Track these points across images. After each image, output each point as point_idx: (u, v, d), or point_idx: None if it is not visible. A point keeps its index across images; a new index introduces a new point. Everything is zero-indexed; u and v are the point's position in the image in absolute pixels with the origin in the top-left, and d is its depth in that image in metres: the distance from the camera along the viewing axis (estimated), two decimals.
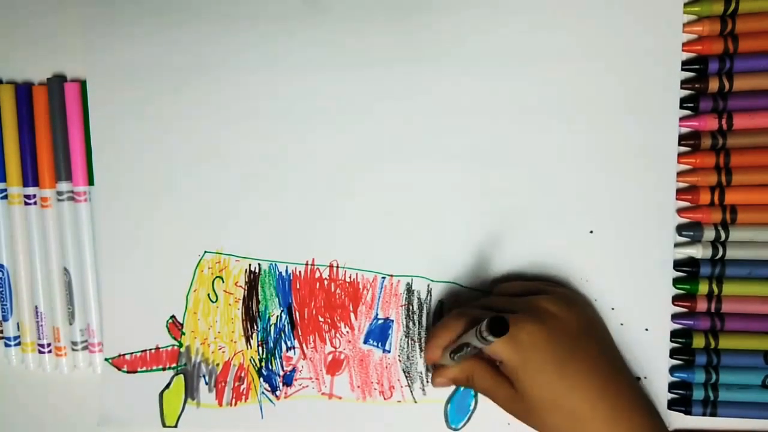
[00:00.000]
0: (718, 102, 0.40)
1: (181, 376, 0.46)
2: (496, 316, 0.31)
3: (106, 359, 0.46)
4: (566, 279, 0.42)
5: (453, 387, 0.44)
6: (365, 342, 0.44)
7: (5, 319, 0.47)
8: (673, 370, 0.42)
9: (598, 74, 0.41)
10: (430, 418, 0.44)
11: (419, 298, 0.44)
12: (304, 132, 0.43)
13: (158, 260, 0.45)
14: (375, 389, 0.44)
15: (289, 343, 0.45)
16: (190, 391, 0.46)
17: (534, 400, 0.36)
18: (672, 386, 0.42)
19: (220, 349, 0.45)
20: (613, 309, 0.42)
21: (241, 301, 0.45)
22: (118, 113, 0.44)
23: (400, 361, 0.44)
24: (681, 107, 0.40)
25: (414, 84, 0.42)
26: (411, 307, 0.44)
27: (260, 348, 0.45)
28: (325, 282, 0.44)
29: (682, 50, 0.40)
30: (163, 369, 0.46)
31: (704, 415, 0.41)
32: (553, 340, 0.36)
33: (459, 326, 0.38)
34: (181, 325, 0.45)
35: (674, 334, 0.42)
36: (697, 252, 0.41)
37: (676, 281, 0.42)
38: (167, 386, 0.46)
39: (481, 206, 0.42)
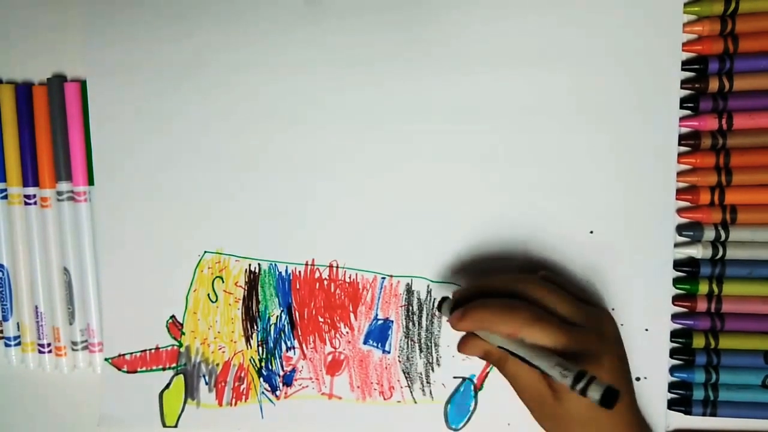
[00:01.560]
0: (718, 102, 0.40)
1: (181, 376, 0.46)
2: (612, 389, 0.30)
3: (106, 359, 0.46)
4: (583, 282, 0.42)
5: (454, 387, 0.44)
6: (365, 342, 0.44)
7: (5, 319, 0.47)
8: (673, 370, 0.42)
9: (598, 74, 0.41)
10: (429, 419, 0.44)
11: (419, 299, 0.44)
12: (304, 132, 0.43)
13: (158, 260, 0.45)
14: (375, 389, 0.44)
15: (288, 343, 0.45)
16: (190, 391, 0.46)
17: (578, 414, 0.35)
18: (672, 386, 0.42)
19: (220, 349, 0.45)
20: (613, 309, 0.42)
21: (241, 301, 0.45)
22: (118, 113, 0.44)
23: (399, 361, 0.44)
24: (681, 107, 0.40)
25: (414, 84, 0.42)
26: (411, 308, 0.44)
27: (260, 348, 0.45)
28: (325, 282, 0.44)
29: (682, 50, 0.40)
30: (163, 369, 0.46)
31: (704, 415, 0.41)
32: (615, 367, 0.36)
33: (528, 331, 0.34)
34: (181, 325, 0.45)
35: (674, 334, 0.42)
36: (697, 252, 0.41)
37: (676, 281, 0.42)
38: (167, 386, 0.46)
39: (481, 206, 0.42)
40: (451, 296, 0.40)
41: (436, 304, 0.43)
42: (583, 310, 0.36)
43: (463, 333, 0.38)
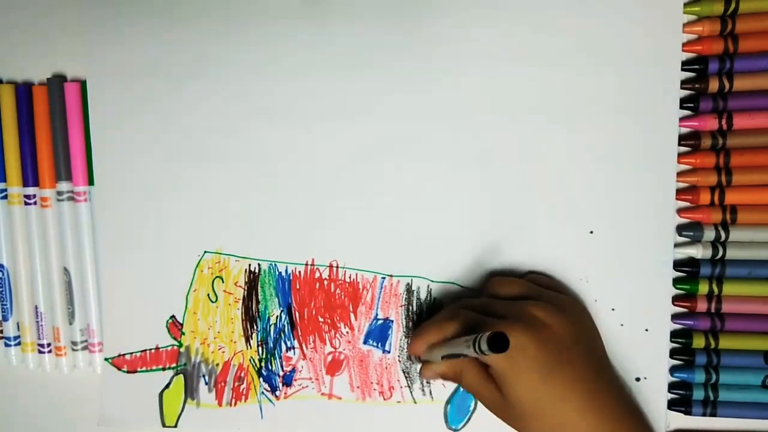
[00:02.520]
0: (718, 102, 0.40)
1: (181, 376, 0.46)
2: (497, 333, 0.31)
3: (106, 359, 0.46)
4: (564, 278, 0.42)
5: (453, 387, 0.44)
6: (365, 342, 0.44)
7: (5, 319, 0.47)
8: (673, 370, 0.42)
9: (598, 74, 0.41)
10: (429, 419, 0.44)
11: (419, 299, 0.44)
12: (304, 132, 0.43)
13: (158, 260, 0.45)
14: (375, 390, 0.44)
15: (288, 344, 0.45)
16: (190, 391, 0.46)
17: (520, 406, 0.36)
18: (672, 386, 0.42)
19: (219, 349, 0.45)
20: (613, 309, 0.42)
21: (240, 301, 0.45)
22: (118, 113, 0.44)
23: (399, 361, 0.44)
24: (681, 107, 0.40)
25: (414, 84, 0.42)
26: (411, 308, 0.44)
27: (260, 348, 0.45)
28: (325, 282, 0.44)
29: (682, 50, 0.40)
30: (163, 369, 0.46)
31: (704, 415, 0.41)
32: (540, 349, 0.35)
33: (450, 328, 0.38)
34: (181, 325, 0.45)
35: (674, 335, 0.42)
36: (697, 252, 0.41)
37: (676, 281, 0.42)
38: (167, 386, 0.46)
39: (481, 206, 0.42)
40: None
41: (407, 356, 0.44)
42: (512, 306, 0.38)
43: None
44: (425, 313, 0.44)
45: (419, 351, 0.40)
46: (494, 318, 0.37)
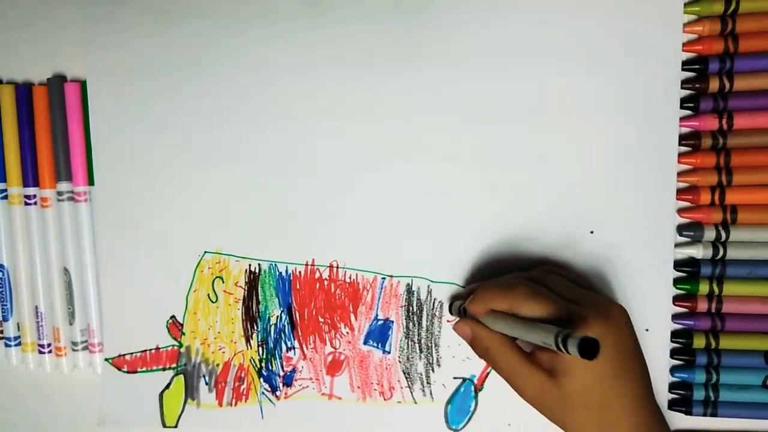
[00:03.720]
0: (718, 102, 0.40)
1: (181, 376, 0.46)
2: (590, 339, 0.30)
3: (106, 359, 0.46)
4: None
5: (454, 387, 0.44)
6: (365, 343, 0.44)
7: (5, 319, 0.47)
8: (673, 370, 0.42)
9: (599, 74, 0.41)
10: (430, 419, 0.44)
11: (419, 299, 0.44)
12: (304, 132, 0.43)
13: (158, 260, 0.45)
14: (375, 390, 0.44)
15: (289, 344, 0.45)
16: (190, 392, 0.46)
17: (581, 396, 0.35)
18: (672, 386, 0.42)
19: (220, 349, 0.45)
20: None
21: (241, 302, 0.45)
22: (118, 113, 0.44)
23: (400, 362, 0.44)
24: (681, 107, 0.40)
25: (414, 84, 0.42)
26: (411, 308, 0.44)
27: (260, 348, 0.45)
28: (325, 282, 0.44)
29: (683, 50, 0.40)
30: (163, 369, 0.46)
31: (705, 415, 0.41)
32: (618, 345, 0.35)
33: (521, 301, 0.36)
34: (181, 325, 0.45)
35: (675, 335, 0.42)
36: (698, 252, 0.41)
37: (676, 281, 0.42)
38: (167, 386, 0.46)
39: (481, 206, 0.42)
40: (451, 297, 0.42)
41: (447, 307, 0.43)
42: (584, 294, 0.37)
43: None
44: (425, 314, 0.44)
45: (477, 312, 0.38)
46: (571, 303, 0.36)
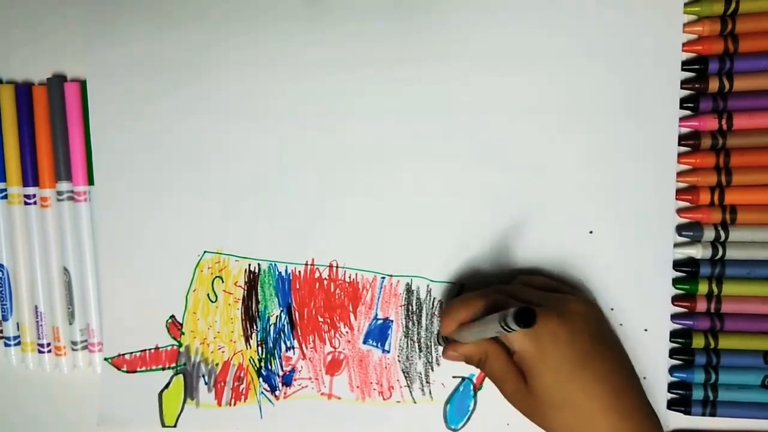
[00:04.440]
0: (718, 102, 0.40)
1: (181, 376, 0.46)
2: (524, 307, 0.30)
3: (106, 359, 0.46)
4: (564, 278, 0.42)
5: (453, 387, 0.44)
6: (365, 342, 0.44)
7: (5, 318, 0.47)
8: (672, 370, 0.42)
9: (599, 74, 0.41)
10: (429, 419, 0.44)
11: (419, 298, 0.44)
12: (304, 132, 0.43)
13: (158, 260, 0.45)
14: (374, 389, 0.44)
15: (288, 343, 0.45)
16: (190, 391, 0.46)
17: (545, 396, 0.36)
18: (671, 386, 0.42)
19: (219, 349, 0.45)
20: (612, 309, 0.42)
21: (240, 301, 0.45)
22: (118, 113, 0.44)
23: (399, 361, 0.44)
24: (681, 107, 0.40)
25: (414, 84, 0.42)
26: (410, 307, 0.44)
27: (260, 348, 0.45)
28: (325, 282, 0.44)
29: (682, 50, 0.40)
30: (163, 369, 0.46)
31: (704, 415, 0.41)
32: (574, 340, 0.35)
33: (480, 305, 0.37)
34: (181, 325, 0.45)
35: (674, 335, 0.42)
36: (697, 252, 0.41)
37: (675, 281, 0.42)
38: (167, 386, 0.46)
39: (481, 206, 0.42)
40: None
41: (436, 336, 0.44)
42: (550, 296, 0.38)
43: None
44: (425, 313, 0.44)
45: (449, 330, 0.39)
46: (524, 302, 0.37)
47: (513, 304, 0.36)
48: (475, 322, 0.37)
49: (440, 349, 0.44)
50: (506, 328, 0.32)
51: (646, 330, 0.42)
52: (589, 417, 0.35)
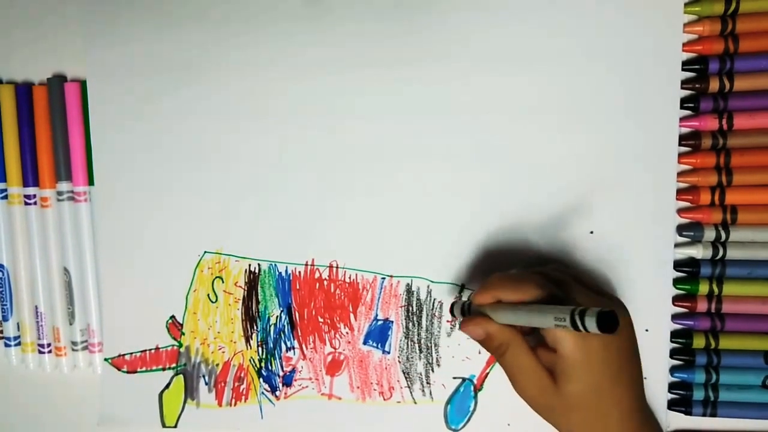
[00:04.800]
0: (718, 102, 0.40)
1: (181, 376, 0.46)
2: (608, 312, 0.29)
3: (106, 359, 0.46)
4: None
5: (453, 388, 0.44)
6: (365, 343, 0.44)
7: (5, 319, 0.47)
8: (673, 370, 0.42)
9: (599, 74, 0.41)
10: (429, 419, 0.44)
11: (419, 299, 0.44)
12: (304, 132, 0.43)
13: (158, 260, 0.45)
14: (374, 390, 0.44)
15: (288, 344, 0.45)
16: (190, 392, 0.46)
17: (575, 400, 0.35)
18: (672, 386, 0.42)
19: (219, 349, 0.45)
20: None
21: (240, 302, 0.45)
22: (118, 113, 0.44)
23: (399, 362, 0.44)
24: (681, 107, 0.40)
25: (414, 84, 0.42)
26: (411, 308, 0.44)
27: (260, 348, 0.45)
28: (325, 282, 0.44)
29: (683, 50, 0.40)
30: (163, 369, 0.46)
31: (704, 415, 0.41)
32: (620, 353, 0.35)
33: (532, 291, 0.35)
34: (181, 325, 0.45)
35: (674, 335, 0.42)
36: (698, 252, 0.41)
37: (676, 281, 0.42)
38: (167, 386, 0.46)
39: (481, 206, 0.42)
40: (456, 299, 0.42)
41: (447, 308, 0.43)
42: (594, 298, 0.37)
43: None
44: (425, 314, 0.44)
45: (485, 302, 0.37)
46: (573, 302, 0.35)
47: (568, 302, 0.34)
48: (523, 305, 0.35)
49: (441, 349, 0.44)
50: (580, 327, 0.30)
51: (646, 330, 0.42)
52: (612, 422, 0.36)
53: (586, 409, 0.35)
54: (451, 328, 0.44)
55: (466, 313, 0.40)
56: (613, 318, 0.30)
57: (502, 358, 0.37)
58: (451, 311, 0.43)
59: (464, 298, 0.43)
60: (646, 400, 0.39)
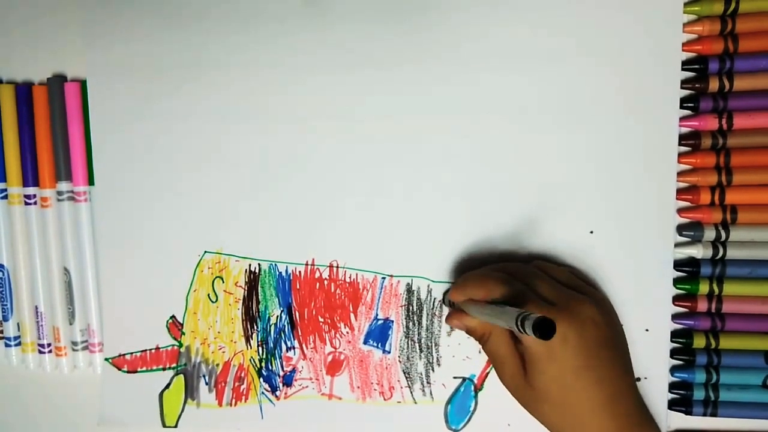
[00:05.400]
0: (718, 102, 0.40)
1: (181, 376, 0.46)
2: (544, 319, 0.30)
3: (106, 359, 0.46)
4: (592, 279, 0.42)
5: (453, 387, 0.44)
6: (365, 342, 0.44)
7: (5, 319, 0.47)
8: (673, 370, 0.42)
9: (599, 74, 0.41)
10: (430, 419, 0.44)
11: (419, 299, 0.44)
12: (304, 132, 0.43)
13: (158, 260, 0.45)
14: (375, 390, 0.44)
15: (289, 344, 0.45)
16: (190, 391, 0.46)
17: (543, 392, 0.36)
18: (672, 386, 0.42)
19: (220, 349, 0.45)
20: None
21: (241, 302, 0.45)
22: (118, 113, 0.44)
23: (400, 361, 0.44)
24: (681, 107, 0.40)
25: (414, 84, 0.42)
26: (411, 308, 0.44)
27: (260, 348, 0.45)
28: (325, 282, 0.44)
29: (682, 50, 0.40)
30: (163, 369, 0.46)
31: (705, 415, 0.41)
32: (582, 345, 0.36)
33: (496, 290, 0.37)
34: (181, 325, 0.45)
35: (675, 335, 0.42)
36: (698, 252, 0.41)
37: (676, 281, 0.42)
38: (167, 386, 0.46)
39: (481, 206, 0.42)
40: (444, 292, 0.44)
41: (442, 297, 0.44)
42: (561, 294, 0.37)
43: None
44: (425, 314, 0.44)
45: (458, 299, 0.40)
46: (540, 298, 0.37)
47: (531, 300, 0.36)
48: (488, 305, 0.37)
49: (441, 349, 0.44)
50: (522, 331, 0.31)
51: (647, 330, 0.42)
52: (583, 417, 0.36)
53: (554, 401, 0.36)
54: (450, 328, 0.44)
55: (448, 303, 0.43)
56: (550, 325, 0.30)
57: (485, 346, 0.39)
58: (444, 301, 0.44)
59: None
60: (637, 402, 0.38)
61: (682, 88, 0.40)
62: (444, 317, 0.43)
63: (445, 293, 0.43)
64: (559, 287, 0.38)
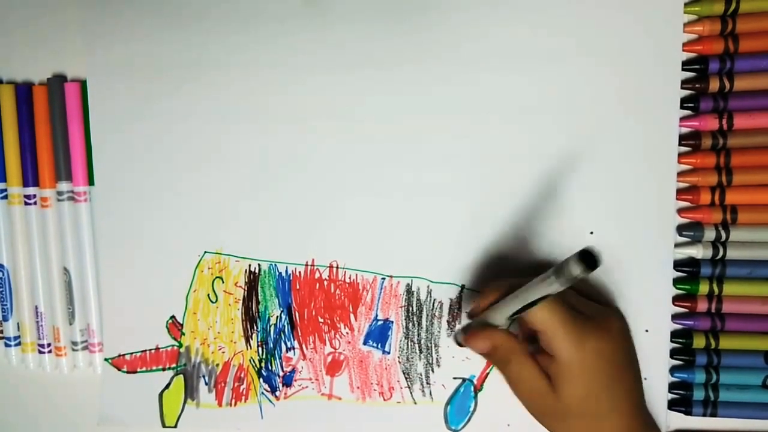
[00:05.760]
0: (718, 102, 0.40)
1: (181, 376, 0.46)
2: (586, 250, 0.29)
3: (106, 359, 0.46)
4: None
5: (453, 388, 0.44)
6: (365, 343, 0.44)
7: (5, 319, 0.47)
8: (673, 370, 0.42)
9: (599, 74, 0.41)
10: (429, 420, 0.44)
11: (419, 299, 0.44)
12: (304, 132, 0.43)
13: (158, 260, 0.45)
14: (375, 390, 0.44)
15: (288, 344, 0.45)
16: (190, 392, 0.46)
17: (573, 404, 0.36)
18: (672, 386, 0.42)
19: (219, 349, 0.45)
20: None
21: (240, 302, 0.45)
22: (118, 113, 0.44)
23: (399, 362, 0.44)
24: (681, 107, 0.40)
25: (414, 84, 0.42)
26: (411, 308, 0.44)
27: (260, 348, 0.45)
28: (325, 283, 0.44)
29: (683, 50, 0.40)
30: (163, 369, 0.46)
31: (704, 415, 0.41)
32: (614, 357, 0.36)
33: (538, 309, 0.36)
34: (181, 325, 0.45)
35: (674, 335, 0.42)
36: (698, 252, 0.41)
37: (676, 281, 0.41)
38: (167, 386, 0.46)
39: (481, 206, 0.42)
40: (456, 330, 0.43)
41: (452, 338, 0.44)
42: (590, 305, 0.38)
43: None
44: (425, 314, 0.44)
45: (486, 303, 0.38)
46: (577, 313, 0.36)
47: (564, 307, 0.35)
48: (515, 292, 0.35)
49: (441, 349, 0.44)
50: (566, 275, 0.30)
51: (646, 330, 0.42)
52: (608, 427, 0.36)
53: (584, 415, 0.36)
54: (450, 328, 0.44)
55: (460, 337, 0.41)
56: (593, 255, 0.29)
57: (506, 368, 0.38)
58: (456, 341, 0.43)
59: (461, 324, 0.43)
60: (645, 406, 0.39)
61: (682, 88, 0.40)
62: (444, 320, 0.43)
63: (456, 333, 0.43)
64: (586, 301, 0.38)
